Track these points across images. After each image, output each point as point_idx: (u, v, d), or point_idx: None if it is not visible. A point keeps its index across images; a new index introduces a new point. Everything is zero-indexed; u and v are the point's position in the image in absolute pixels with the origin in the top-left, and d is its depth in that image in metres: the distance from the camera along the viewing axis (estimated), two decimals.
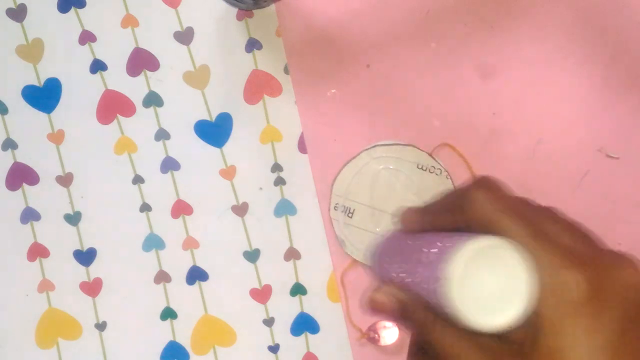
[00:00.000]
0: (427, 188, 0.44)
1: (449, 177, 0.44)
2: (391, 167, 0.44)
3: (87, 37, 0.46)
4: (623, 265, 0.30)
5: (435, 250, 0.28)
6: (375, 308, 0.34)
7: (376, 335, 0.44)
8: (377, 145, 0.44)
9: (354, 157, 0.44)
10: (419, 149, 0.43)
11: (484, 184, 0.32)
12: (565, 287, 0.29)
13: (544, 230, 0.30)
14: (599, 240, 0.32)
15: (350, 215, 0.44)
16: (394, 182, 0.44)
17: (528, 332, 0.29)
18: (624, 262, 0.30)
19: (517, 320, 0.27)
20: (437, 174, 0.44)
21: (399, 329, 0.44)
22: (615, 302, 0.29)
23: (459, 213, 0.32)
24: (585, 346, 0.28)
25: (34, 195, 0.46)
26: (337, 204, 0.44)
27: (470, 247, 0.26)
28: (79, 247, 0.46)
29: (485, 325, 0.26)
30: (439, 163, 0.43)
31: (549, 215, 0.32)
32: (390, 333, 0.44)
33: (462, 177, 0.44)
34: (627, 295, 0.29)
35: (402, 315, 0.32)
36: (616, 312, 0.29)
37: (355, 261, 0.44)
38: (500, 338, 0.29)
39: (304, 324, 0.46)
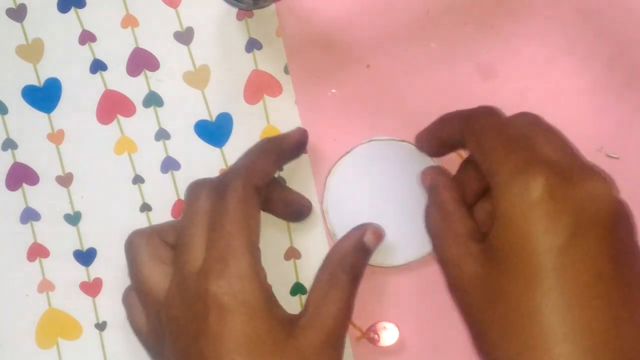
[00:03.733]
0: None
1: None
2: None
3: (87, 37, 0.46)
4: (591, 177, 0.31)
5: None
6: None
7: (376, 336, 0.44)
8: (372, 141, 0.44)
9: (348, 152, 0.44)
10: (414, 145, 0.43)
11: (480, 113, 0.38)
12: (523, 187, 0.30)
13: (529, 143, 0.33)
14: (582, 157, 0.34)
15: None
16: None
17: (493, 225, 0.32)
18: (594, 175, 0.32)
19: None
20: None
21: (399, 329, 0.44)
22: (569, 208, 0.30)
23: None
24: (534, 245, 0.30)
25: (33, 195, 0.46)
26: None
27: None
28: (79, 247, 0.46)
29: None
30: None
31: (538, 131, 0.35)
32: (390, 334, 0.44)
33: None
34: (583, 205, 0.30)
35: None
36: (568, 218, 0.30)
37: None
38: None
39: None
